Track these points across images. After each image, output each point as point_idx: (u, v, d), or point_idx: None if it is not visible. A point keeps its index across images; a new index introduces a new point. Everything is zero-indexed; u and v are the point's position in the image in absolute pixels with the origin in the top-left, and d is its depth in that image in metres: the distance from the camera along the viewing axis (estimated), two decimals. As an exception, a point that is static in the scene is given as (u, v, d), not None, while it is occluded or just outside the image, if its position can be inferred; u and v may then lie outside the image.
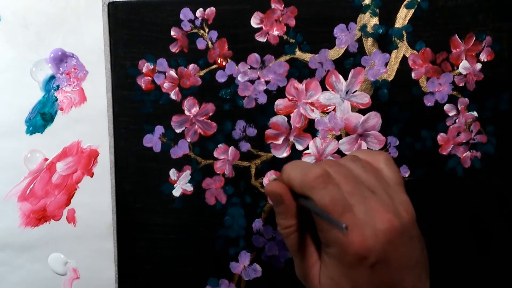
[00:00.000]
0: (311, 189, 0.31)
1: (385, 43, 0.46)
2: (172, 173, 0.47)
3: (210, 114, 0.47)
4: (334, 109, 0.47)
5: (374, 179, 0.32)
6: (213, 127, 0.47)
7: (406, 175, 0.47)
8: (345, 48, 0.47)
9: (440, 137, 0.47)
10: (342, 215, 0.29)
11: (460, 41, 0.46)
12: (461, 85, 0.46)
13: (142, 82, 0.47)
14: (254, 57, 0.47)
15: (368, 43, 0.46)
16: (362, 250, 0.29)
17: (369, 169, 0.33)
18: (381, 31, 0.46)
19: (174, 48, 0.47)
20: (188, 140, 0.47)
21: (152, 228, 0.47)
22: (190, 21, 0.47)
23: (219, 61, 0.47)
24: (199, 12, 0.47)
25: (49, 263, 0.48)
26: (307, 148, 0.47)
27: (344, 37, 0.46)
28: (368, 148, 0.47)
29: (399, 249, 0.30)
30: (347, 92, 0.47)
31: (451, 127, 0.47)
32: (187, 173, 0.47)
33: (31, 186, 0.47)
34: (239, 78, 0.47)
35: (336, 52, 0.47)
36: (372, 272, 0.29)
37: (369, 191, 0.31)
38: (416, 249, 0.31)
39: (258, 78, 0.47)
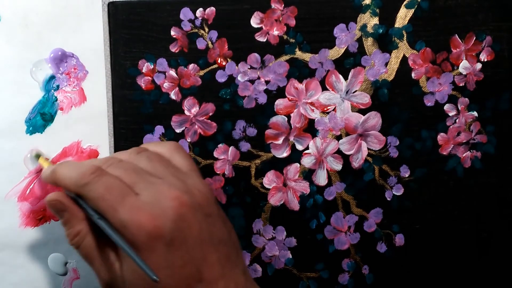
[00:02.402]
0: (85, 185, 0.29)
1: (385, 43, 0.46)
2: (172, 173, 0.47)
3: (210, 114, 0.47)
4: (334, 109, 0.47)
5: (161, 167, 0.31)
6: (213, 127, 0.47)
7: (406, 175, 0.47)
8: (345, 48, 0.47)
9: (440, 137, 0.47)
10: (123, 201, 0.28)
11: (460, 41, 0.46)
12: (461, 85, 0.46)
13: (142, 82, 0.47)
14: (254, 57, 0.47)
15: (368, 43, 0.46)
16: (153, 229, 0.28)
17: (155, 159, 0.32)
18: (381, 31, 0.46)
19: (174, 48, 0.47)
20: (188, 140, 0.47)
21: (152, 228, 0.47)
22: (190, 21, 0.47)
23: (219, 61, 0.47)
24: (199, 12, 0.47)
25: (49, 263, 0.48)
26: (307, 148, 0.47)
27: (344, 37, 0.46)
28: (368, 149, 0.47)
29: (195, 226, 0.29)
30: (347, 92, 0.47)
31: (451, 127, 0.47)
32: (187, 173, 0.47)
33: (31, 186, 0.47)
34: (239, 78, 0.47)
35: (336, 52, 0.47)
36: (170, 251, 0.28)
37: (155, 178, 0.30)
38: (218, 227, 0.30)
39: (258, 78, 0.47)
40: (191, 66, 0.47)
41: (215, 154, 0.47)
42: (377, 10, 0.46)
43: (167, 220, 0.28)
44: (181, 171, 0.32)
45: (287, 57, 0.47)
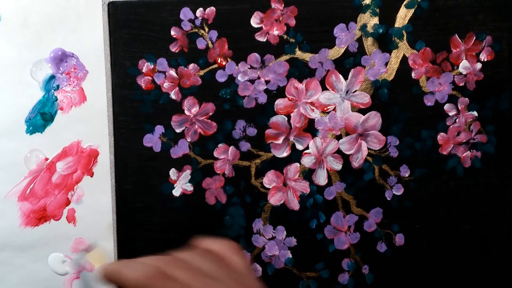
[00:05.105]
0: None
1: (385, 43, 0.46)
2: (172, 173, 0.47)
3: (210, 114, 0.47)
4: (334, 109, 0.47)
5: (215, 267, 0.31)
6: (213, 127, 0.47)
7: (406, 175, 0.47)
8: (345, 47, 0.47)
9: (440, 136, 0.47)
10: None
11: (460, 40, 0.46)
12: (461, 84, 0.46)
13: (142, 81, 0.47)
14: (254, 56, 0.47)
15: (368, 42, 0.46)
16: None
17: (209, 258, 0.32)
18: (381, 30, 0.46)
19: (174, 48, 0.47)
20: (188, 140, 0.47)
21: (152, 228, 0.47)
22: (190, 20, 0.47)
23: (219, 61, 0.47)
24: (199, 12, 0.47)
25: (49, 263, 0.48)
26: (307, 147, 0.47)
27: (344, 37, 0.46)
28: (368, 148, 0.47)
29: None
30: (347, 92, 0.47)
31: (451, 126, 0.47)
32: (187, 173, 0.47)
33: (31, 186, 0.47)
34: (239, 77, 0.47)
35: (336, 51, 0.47)
36: None
37: (211, 279, 0.30)
38: None
39: (258, 77, 0.47)
40: (191, 66, 0.47)
41: (215, 153, 0.47)
42: (377, 10, 0.46)
43: None
44: (236, 272, 0.31)
45: (287, 57, 0.47)
